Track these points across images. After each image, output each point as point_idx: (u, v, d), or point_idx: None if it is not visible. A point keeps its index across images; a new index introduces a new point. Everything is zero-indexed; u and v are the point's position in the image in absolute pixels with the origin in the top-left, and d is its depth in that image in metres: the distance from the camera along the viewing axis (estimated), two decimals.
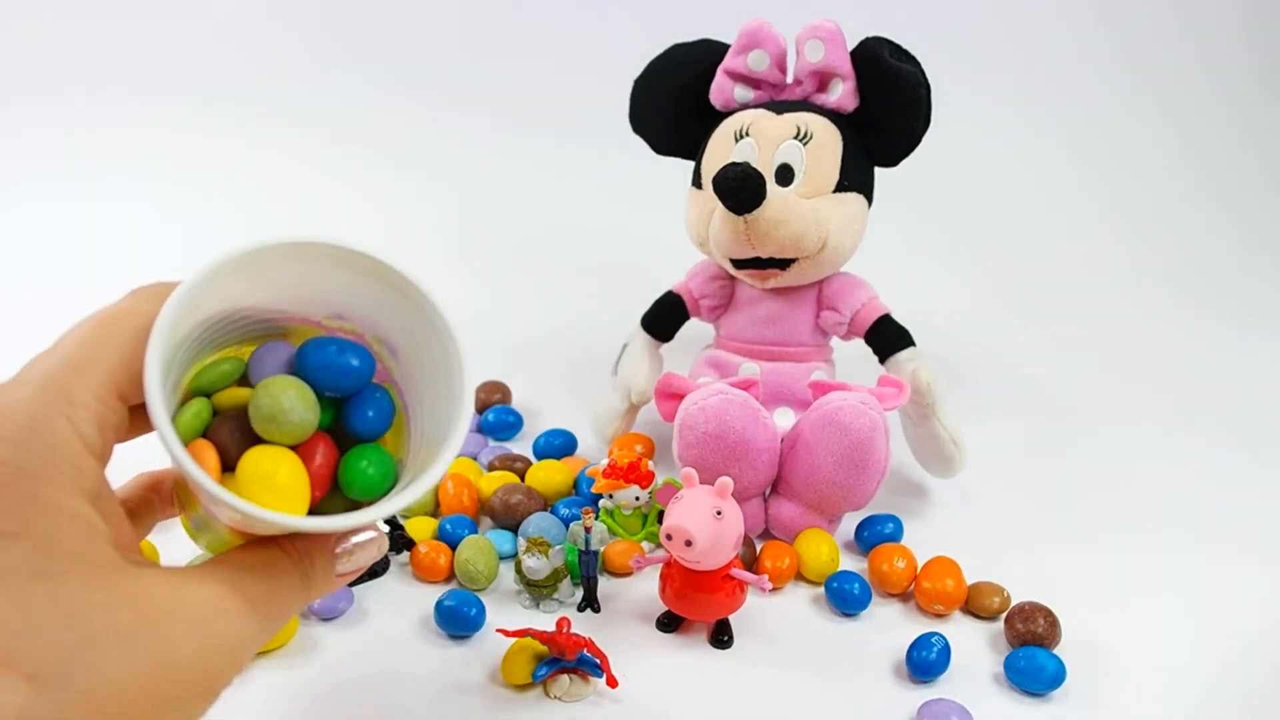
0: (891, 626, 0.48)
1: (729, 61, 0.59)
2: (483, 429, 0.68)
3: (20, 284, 0.90)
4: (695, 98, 0.61)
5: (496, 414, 0.68)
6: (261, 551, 0.26)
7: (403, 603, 0.49)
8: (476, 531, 0.54)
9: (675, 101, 0.62)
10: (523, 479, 0.59)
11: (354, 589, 0.49)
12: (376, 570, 0.51)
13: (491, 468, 0.61)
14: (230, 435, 0.26)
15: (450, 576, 0.51)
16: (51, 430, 0.22)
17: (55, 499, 0.22)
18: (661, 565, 0.46)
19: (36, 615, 0.21)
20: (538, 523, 0.53)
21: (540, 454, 0.63)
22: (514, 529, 0.54)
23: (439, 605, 0.46)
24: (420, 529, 0.54)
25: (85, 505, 0.22)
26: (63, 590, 0.21)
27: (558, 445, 0.64)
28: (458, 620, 0.46)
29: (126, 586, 0.22)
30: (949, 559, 0.49)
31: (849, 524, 0.55)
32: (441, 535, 0.53)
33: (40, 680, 0.20)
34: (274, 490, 0.25)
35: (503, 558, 0.52)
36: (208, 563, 0.25)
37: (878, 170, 0.60)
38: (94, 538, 0.22)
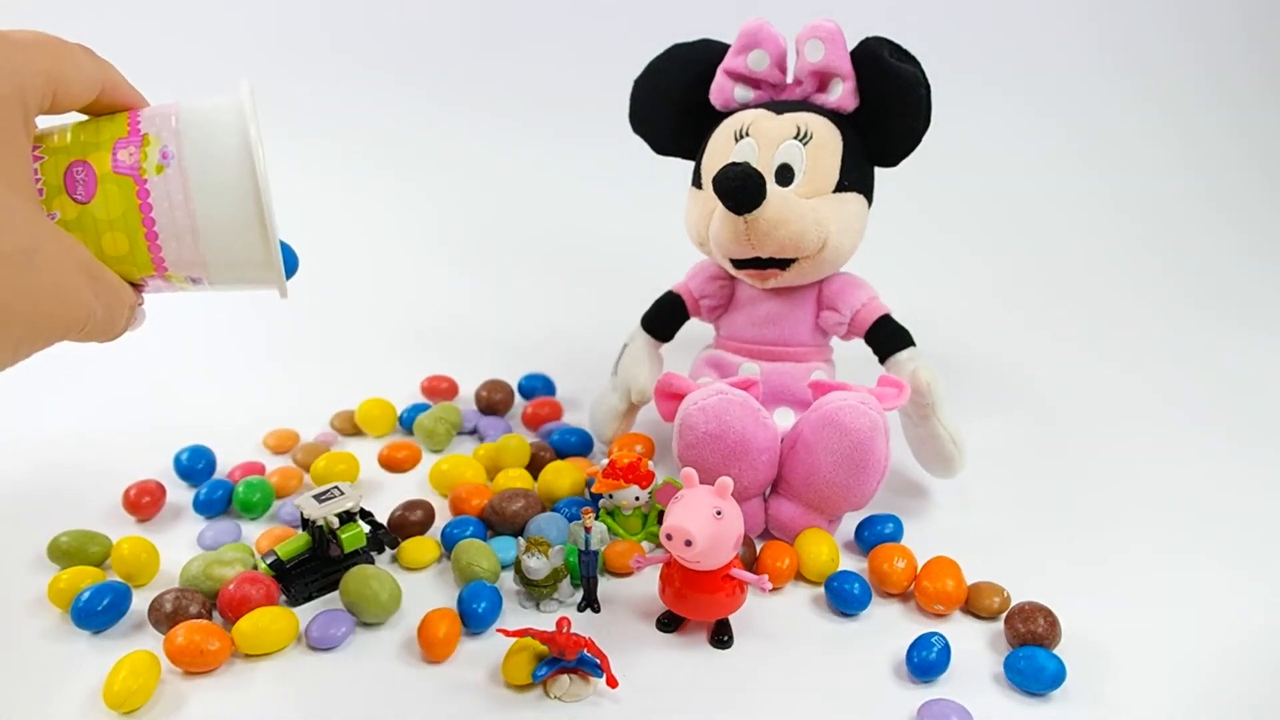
0: (891, 626, 0.48)
1: (729, 61, 0.59)
2: (521, 391, 0.74)
3: None
4: (695, 98, 0.61)
5: (528, 379, 0.74)
6: None
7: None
8: (484, 534, 0.54)
9: (675, 101, 0.62)
10: (539, 472, 0.59)
11: None
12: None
13: (525, 415, 0.69)
14: None
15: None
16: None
17: None
18: (661, 565, 0.46)
19: None
20: (538, 522, 0.53)
21: (558, 448, 0.64)
22: (514, 535, 0.54)
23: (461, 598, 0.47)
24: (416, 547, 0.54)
25: None
26: None
27: (573, 443, 0.64)
28: (468, 617, 0.46)
29: None
30: (949, 559, 0.49)
31: (849, 524, 0.55)
32: (442, 535, 0.53)
33: None
34: None
35: (503, 566, 0.51)
36: None
37: (878, 170, 0.60)
38: None
